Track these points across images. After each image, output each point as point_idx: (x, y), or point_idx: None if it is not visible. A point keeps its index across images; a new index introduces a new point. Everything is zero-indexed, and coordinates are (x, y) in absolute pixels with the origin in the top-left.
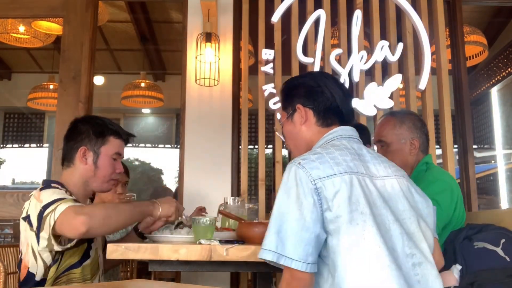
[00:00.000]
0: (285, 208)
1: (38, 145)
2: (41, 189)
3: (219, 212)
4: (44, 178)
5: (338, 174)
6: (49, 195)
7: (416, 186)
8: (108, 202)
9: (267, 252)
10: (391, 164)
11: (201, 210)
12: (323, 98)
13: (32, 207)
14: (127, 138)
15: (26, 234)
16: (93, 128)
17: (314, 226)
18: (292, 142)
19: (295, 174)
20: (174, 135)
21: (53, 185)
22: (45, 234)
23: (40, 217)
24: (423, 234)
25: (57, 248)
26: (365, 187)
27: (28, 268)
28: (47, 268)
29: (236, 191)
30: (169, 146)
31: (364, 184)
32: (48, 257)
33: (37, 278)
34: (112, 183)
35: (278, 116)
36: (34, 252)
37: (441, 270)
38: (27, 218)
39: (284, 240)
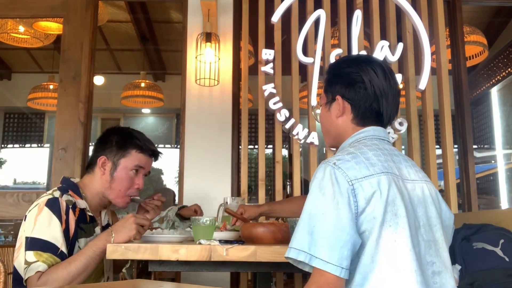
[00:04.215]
0: (320, 207)
1: (39, 145)
2: (47, 203)
3: (226, 210)
4: (46, 178)
5: (375, 174)
6: (42, 226)
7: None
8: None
9: (297, 252)
10: (419, 169)
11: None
12: (364, 94)
13: (30, 217)
14: (152, 154)
15: (22, 232)
16: (117, 139)
17: (350, 227)
18: (324, 128)
19: (331, 174)
20: (174, 135)
21: (62, 199)
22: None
23: (25, 247)
24: (446, 243)
25: None
26: (400, 188)
27: (14, 266)
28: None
29: (236, 191)
30: (169, 146)
31: (399, 185)
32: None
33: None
34: (128, 200)
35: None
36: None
37: None
38: (25, 219)
39: (318, 241)
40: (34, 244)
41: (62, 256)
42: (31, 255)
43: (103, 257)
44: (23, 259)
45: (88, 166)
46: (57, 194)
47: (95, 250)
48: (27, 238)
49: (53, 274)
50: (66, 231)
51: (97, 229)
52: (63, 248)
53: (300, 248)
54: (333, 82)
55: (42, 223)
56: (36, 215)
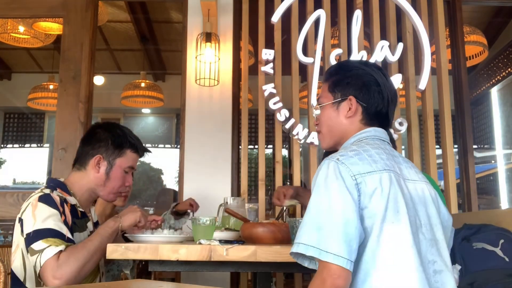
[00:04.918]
0: (326, 202)
1: (39, 145)
2: (40, 199)
3: (226, 210)
4: (45, 178)
5: (377, 171)
6: (42, 217)
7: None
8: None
9: (306, 247)
10: (418, 170)
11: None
12: (378, 99)
13: (26, 216)
14: (143, 153)
15: (17, 236)
16: (112, 138)
17: (357, 221)
18: (327, 128)
19: (334, 169)
20: (174, 135)
21: (53, 194)
22: (31, 260)
23: (29, 243)
24: (446, 243)
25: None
26: (401, 186)
27: (12, 269)
28: (39, 277)
29: (236, 191)
30: (169, 146)
31: (400, 183)
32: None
33: (28, 283)
34: (118, 195)
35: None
36: (24, 256)
37: None
38: (20, 221)
39: (327, 236)
40: (39, 234)
41: (71, 242)
42: (39, 244)
43: (114, 236)
44: (20, 259)
45: (76, 162)
46: (47, 191)
47: (107, 230)
48: (29, 234)
49: (73, 252)
50: (65, 222)
51: (89, 224)
52: (68, 235)
53: (308, 244)
54: (345, 82)
55: (41, 216)
56: (33, 211)
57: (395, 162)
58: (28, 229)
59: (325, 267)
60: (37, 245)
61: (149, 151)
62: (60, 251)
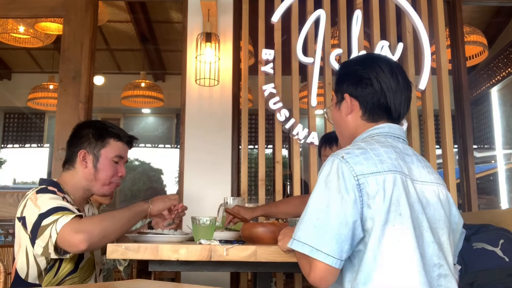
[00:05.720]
0: (324, 201)
1: (39, 145)
2: (37, 192)
3: (226, 210)
4: (45, 178)
5: (382, 172)
6: (46, 201)
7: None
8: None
9: (301, 245)
10: (434, 171)
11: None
12: (371, 90)
13: (28, 210)
14: (129, 141)
15: (20, 234)
16: (93, 132)
17: (352, 222)
18: (338, 128)
19: (337, 168)
20: (174, 135)
21: (50, 187)
22: (41, 242)
23: (37, 225)
24: (451, 248)
25: (54, 256)
26: (406, 188)
27: (16, 269)
28: (41, 272)
29: (236, 191)
30: (169, 146)
31: (406, 185)
32: (42, 261)
33: (30, 279)
34: (113, 186)
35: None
36: (28, 254)
37: None
38: (21, 219)
39: (321, 234)
40: (48, 213)
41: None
42: (51, 218)
43: (142, 217)
44: (24, 258)
45: (65, 163)
46: (41, 187)
47: (136, 208)
48: (35, 220)
49: (96, 216)
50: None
51: None
52: (78, 212)
53: (304, 241)
54: (341, 81)
55: (45, 201)
56: (35, 202)
57: (405, 162)
58: (33, 219)
59: (313, 263)
60: (49, 219)
61: (135, 138)
62: (77, 216)
